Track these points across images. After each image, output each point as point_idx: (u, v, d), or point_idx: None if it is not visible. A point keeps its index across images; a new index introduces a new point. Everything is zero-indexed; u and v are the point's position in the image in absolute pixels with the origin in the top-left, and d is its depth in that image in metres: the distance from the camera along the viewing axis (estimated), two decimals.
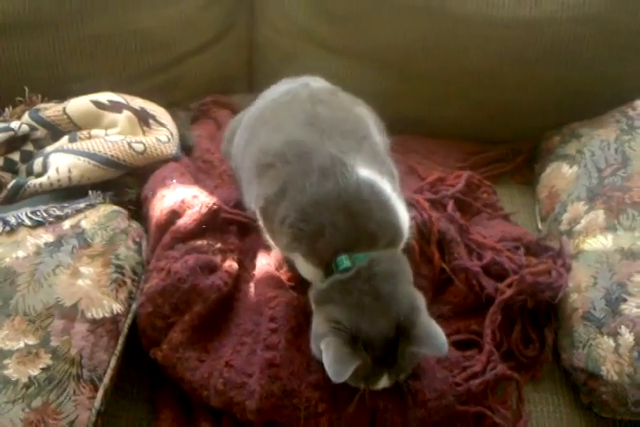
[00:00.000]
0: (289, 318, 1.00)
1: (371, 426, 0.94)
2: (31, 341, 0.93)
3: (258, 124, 1.16)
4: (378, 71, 1.44)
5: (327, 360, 0.85)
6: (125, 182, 1.25)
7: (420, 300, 0.93)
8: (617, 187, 1.16)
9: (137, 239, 1.13)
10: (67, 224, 1.10)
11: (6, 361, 0.91)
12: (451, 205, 1.20)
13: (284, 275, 1.11)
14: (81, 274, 1.02)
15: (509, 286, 1.07)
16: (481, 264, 1.10)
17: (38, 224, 1.10)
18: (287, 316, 1.01)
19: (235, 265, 1.11)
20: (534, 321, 1.11)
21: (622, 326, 0.99)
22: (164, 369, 1.01)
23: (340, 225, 0.92)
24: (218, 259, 1.09)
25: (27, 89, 1.37)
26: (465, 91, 1.43)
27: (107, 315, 1.00)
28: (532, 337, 1.09)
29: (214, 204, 1.13)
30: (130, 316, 1.05)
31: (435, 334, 0.87)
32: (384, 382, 0.90)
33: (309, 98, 1.13)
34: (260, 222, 1.07)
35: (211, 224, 1.12)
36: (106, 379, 0.97)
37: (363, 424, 0.93)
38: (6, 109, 1.35)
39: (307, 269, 0.99)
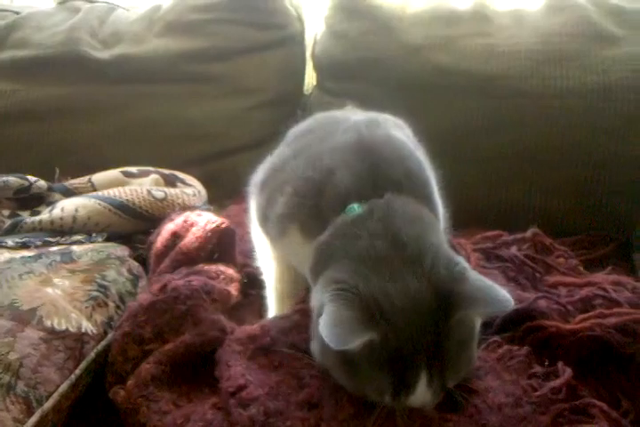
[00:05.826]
0: None
1: None
2: None
3: None
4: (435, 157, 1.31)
5: (325, 324, 0.57)
6: (137, 239, 1.08)
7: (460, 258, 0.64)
8: None
9: (134, 272, 0.93)
10: (54, 248, 0.93)
11: None
12: (514, 248, 0.96)
13: None
14: (53, 283, 0.81)
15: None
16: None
17: (22, 246, 0.93)
18: None
19: None
20: None
21: None
22: (125, 418, 0.71)
23: (356, 168, 0.70)
24: (231, 288, 0.86)
25: (57, 170, 1.30)
26: (531, 172, 1.25)
27: (71, 329, 0.76)
28: None
29: (223, 222, 0.93)
30: (103, 343, 0.79)
31: (491, 287, 0.60)
32: (422, 391, 0.58)
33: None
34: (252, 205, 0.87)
35: (220, 247, 0.91)
36: (47, 404, 0.69)
37: None
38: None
39: (304, 251, 0.71)
